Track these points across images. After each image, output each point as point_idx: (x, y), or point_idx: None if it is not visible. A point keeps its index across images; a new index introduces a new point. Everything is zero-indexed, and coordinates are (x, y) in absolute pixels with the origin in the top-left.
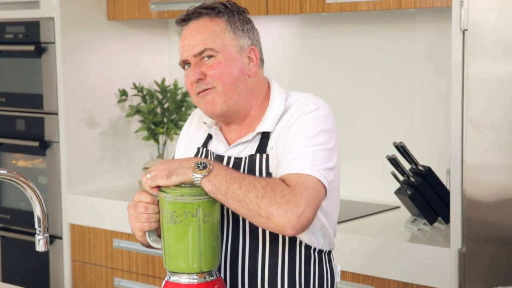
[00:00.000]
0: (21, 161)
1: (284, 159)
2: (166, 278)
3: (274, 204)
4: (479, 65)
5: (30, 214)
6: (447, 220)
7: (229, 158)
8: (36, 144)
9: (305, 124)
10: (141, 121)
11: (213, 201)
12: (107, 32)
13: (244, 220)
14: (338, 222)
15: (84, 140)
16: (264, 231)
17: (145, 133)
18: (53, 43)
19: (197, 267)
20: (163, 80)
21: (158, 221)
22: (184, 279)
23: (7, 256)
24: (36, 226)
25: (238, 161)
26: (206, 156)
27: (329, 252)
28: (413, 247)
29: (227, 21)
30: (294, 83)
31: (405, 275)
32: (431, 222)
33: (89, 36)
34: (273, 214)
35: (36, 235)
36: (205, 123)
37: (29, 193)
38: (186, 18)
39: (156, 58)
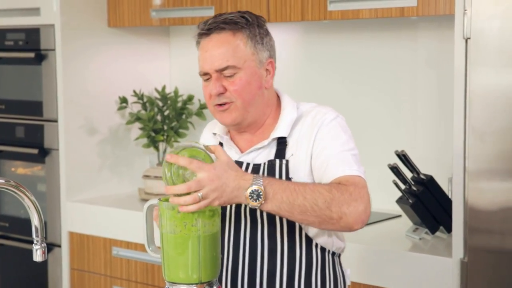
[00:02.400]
0: (21, 169)
1: (326, 167)
2: None
3: (345, 204)
4: (482, 73)
5: (29, 222)
6: (449, 229)
7: (247, 164)
8: (35, 151)
9: (333, 131)
10: (141, 129)
11: (213, 211)
12: (107, 39)
13: (262, 223)
14: None
15: (84, 148)
16: (282, 235)
17: (145, 140)
18: (53, 50)
19: (196, 277)
20: (164, 88)
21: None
22: None
23: (6, 264)
24: (34, 235)
25: (256, 166)
26: None
27: (339, 256)
28: (414, 256)
29: (248, 36)
30: (295, 90)
31: (406, 284)
32: (433, 231)
33: (90, 43)
34: (345, 214)
35: (33, 244)
36: (215, 134)
37: (27, 202)
38: (208, 32)
39: (157, 66)
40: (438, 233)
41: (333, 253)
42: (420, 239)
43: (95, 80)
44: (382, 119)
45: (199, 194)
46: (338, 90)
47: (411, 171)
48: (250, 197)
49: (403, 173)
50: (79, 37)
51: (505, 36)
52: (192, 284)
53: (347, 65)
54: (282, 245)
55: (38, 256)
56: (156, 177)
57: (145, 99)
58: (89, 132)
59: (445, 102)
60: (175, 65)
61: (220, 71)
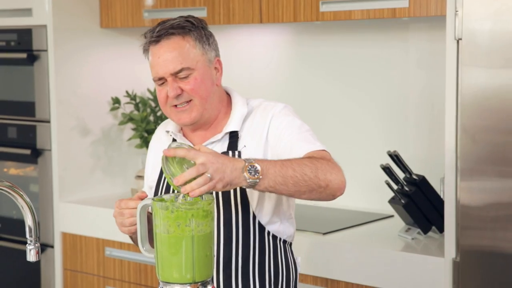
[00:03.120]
0: (13, 169)
1: (291, 149)
2: None
3: (328, 172)
4: (473, 74)
5: (22, 222)
6: (441, 229)
7: None
8: (28, 152)
9: (287, 118)
10: (134, 129)
11: (207, 211)
12: (100, 40)
13: (218, 211)
14: (332, 231)
15: (76, 148)
16: (237, 223)
17: (138, 141)
18: (46, 50)
19: (190, 277)
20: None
21: (151, 230)
22: None
23: None
24: (27, 236)
25: None
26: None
27: (290, 244)
28: (407, 256)
29: (196, 38)
30: (287, 91)
31: (399, 284)
32: (425, 231)
33: (82, 44)
34: (330, 181)
35: (27, 245)
36: (168, 131)
37: (21, 202)
38: (158, 39)
39: (149, 66)
40: (430, 233)
41: (284, 241)
42: (413, 239)
43: (87, 81)
44: (374, 120)
45: (208, 174)
46: (330, 90)
47: (404, 172)
48: (249, 172)
49: (396, 173)
50: (71, 38)
51: (496, 37)
52: (186, 283)
53: (339, 66)
54: (237, 233)
55: (32, 256)
56: None
57: (137, 100)
58: (81, 133)
59: (437, 102)
60: None
61: (175, 74)
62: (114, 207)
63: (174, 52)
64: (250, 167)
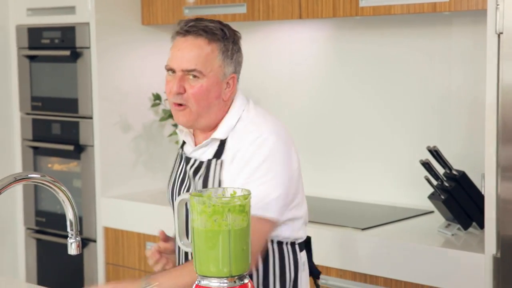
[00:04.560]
0: (57, 165)
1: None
2: (196, 282)
3: None
4: None
5: (65, 217)
6: (481, 225)
7: (195, 160)
8: (71, 148)
9: (246, 157)
10: (174, 125)
11: (243, 206)
12: (141, 37)
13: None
14: (371, 227)
15: (118, 144)
16: None
17: (178, 137)
18: (88, 48)
19: (227, 271)
20: None
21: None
22: (214, 283)
23: (43, 258)
24: (68, 229)
25: (200, 164)
26: (181, 156)
27: (293, 243)
28: (447, 252)
29: (221, 49)
30: (326, 86)
31: (438, 280)
32: (465, 227)
33: (124, 40)
34: None
35: (68, 238)
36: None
37: (61, 196)
38: (185, 33)
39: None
40: (470, 229)
41: (292, 243)
42: (453, 235)
43: (129, 77)
44: (414, 115)
45: None
46: (369, 86)
47: (443, 167)
48: None
49: (435, 169)
50: (113, 35)
51: None
52: (222, 277)
53: (379, 61)
54: None
55: (72, 249)
56: None
57: None
58: (123, 129)
59: (478, 97)
60: None
61: (186, 71)
62: (155, 202)
63: (195, 51)
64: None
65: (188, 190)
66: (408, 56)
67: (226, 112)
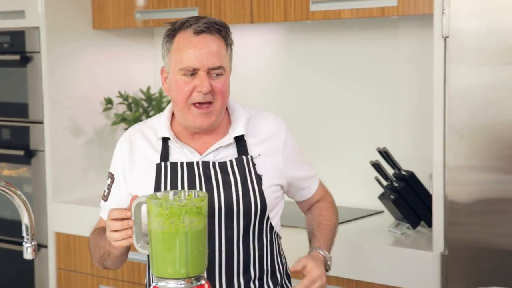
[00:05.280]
0: (6, 170)
1: (302, 180)
2: (153, 284)
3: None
4: (460, 71)
5: (15, 223)
6: (429, 224)
7: (213, 163)
8: (21, 153)
9: (296, 146)
10: (126, 129)
11: (200, 208)
12: (92, 41)
13: (237, 219)
14: None
15: (70, 149)
16: (254, 227)
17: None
18: (39, 52)
19: (184, 272)
20: (149, 88)
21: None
22: (171, 284)
23: None
24: (24, 234)
25: (223, 164)
26: (174, 168)
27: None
28: (396, 251)
29: (228, 44)
30: (279, 90)
31: (388, 278)
32: (414, 226)
33: (75, 45)
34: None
35: (24, 243)
36: (158, 139)
37: (17, 201)
38: (200, 31)
39: (142, 67)
40: (419, 228)
41: (277, 235)
42: (402, 234)
43: (80, 82)
44: (364, 117)
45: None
46: (321, 89)
47: (393, 168)
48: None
49: (385, 169)
50: (64, 39)
51: (483, 35)
52: (180, 278)
53: (329, 65)
54: (253, 235)
55: (28, 254)
56: None
57: (130, 100)
58: (74, 133)
59: (425, 99)
60: (159, 66)
61: (212, 69)
62: None
63: (216, 48)
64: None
65: (212, 197)
66: (358, 59)
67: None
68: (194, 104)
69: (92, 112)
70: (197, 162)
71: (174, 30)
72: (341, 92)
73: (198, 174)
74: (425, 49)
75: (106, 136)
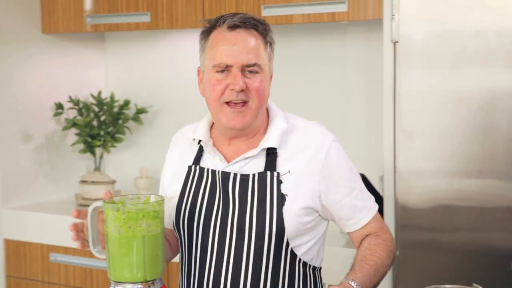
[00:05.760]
0: None
1: (346, 208)
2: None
3: (391, 259)
4: (409, 75)
5: None
6: None
7: (235, 175)
8: None
9: (345, 165)
10: (77, 134)
11: (157, 212)
12: (42, 45)
13: (249, 238)
14: None
15: (19, 154)
16: (268, 250)
17: (81, 146)
18: None
19: (141, 276)
20: (100, 93)
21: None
22: None
23: None
24: None
25: (245, 177)
26: (201, 174)
27: (320, 269)
28: (349, 252)
29: (268, 42)
30: None
31: (341, 279)
32: None
33: (24, 49)
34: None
35: None
36: (195, 140)
37: None
38: (235, 26)
39: (92, 71)
40: None
41: (314, 268)
42: None
43: (30, 87)
44: (316, 119)
45: None
46: (272, 93)
47: None
48: None
49: None
50: (12, 44)
51: (431, 40)
52: (137, 282)
53: (281, 69)
54: (267, 260)
55: None
56: (93, 182)
57: (81, 105)
58: (24, 139)
59: (375, 103)
60: (110, 70)
61: (247, 66)
62: (58, 212)
63: (252, 45)
64: None
65: (227, 211)
66: (307, 64)
67: (265, 117)
68: (227, 103)
69: (42, 117)
70: (218, 172)
71: (209, 27)
72: (291, 96)
73: (219, 184)
74: (373, 54)
75: (56, 141)
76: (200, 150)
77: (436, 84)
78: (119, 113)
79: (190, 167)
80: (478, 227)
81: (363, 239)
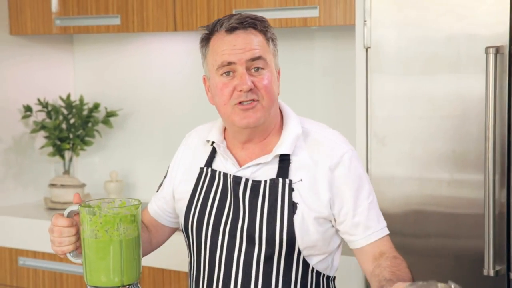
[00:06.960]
0: None
1: (351, 224)
2: None
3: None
4: (382, 80)
5: None
6: None
7: (246, 180)
8: None
9: (348, 174)
10: (46, 137)
11: (134, 216)
12: (9, 47)
13: (259, 245)
14: None
15: None
16: (279, 258)
17: (50, 149)
18: None
19: (118, 280)
20: (69, 96)
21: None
22: None
23: None
24: None
25: (256, 184)
26: (213, 176)
27: (334, 278)
28: None
29: (270, 38)
30: (201, 98)
31: None
32: None
33: None
34: None
35: None
36: (208, 141)
37: None
38: (233, 29)
39: (61, 74)
40: None
41: (328, 277)
42: None
43: None
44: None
45: None
46: None
47: None
48: None
49: None
50: None
51: (402, 45)
52: (114, 287)
53: None
54: (278, 268)
55: None
56: (62, 186)
57: (49, 108)
58: None
59: (345, 108)
60: (79, 73)
61: (251, 60)
62: (27, 216)
63: (253, 40)
64: None
65: (237, 217)
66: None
67: (279, 120)
68: (237, 104)
69: (10, 120)
70: (230, 176)
71: (207, 33)
72: None
73: (230, 189)
74: (342, 59)
75: (24, 144)
76: (213, 152)
77: (408, 89)
78: (89, 116)
79: (202, 168)
80: (450, 232)
81: (370, 261)
